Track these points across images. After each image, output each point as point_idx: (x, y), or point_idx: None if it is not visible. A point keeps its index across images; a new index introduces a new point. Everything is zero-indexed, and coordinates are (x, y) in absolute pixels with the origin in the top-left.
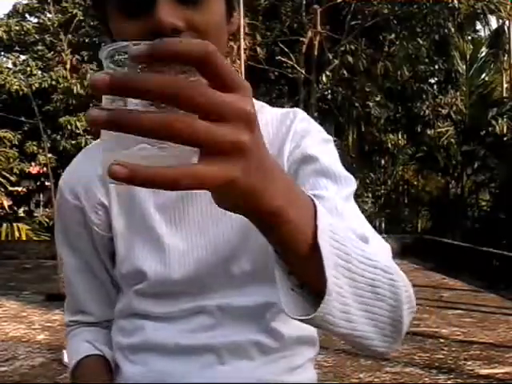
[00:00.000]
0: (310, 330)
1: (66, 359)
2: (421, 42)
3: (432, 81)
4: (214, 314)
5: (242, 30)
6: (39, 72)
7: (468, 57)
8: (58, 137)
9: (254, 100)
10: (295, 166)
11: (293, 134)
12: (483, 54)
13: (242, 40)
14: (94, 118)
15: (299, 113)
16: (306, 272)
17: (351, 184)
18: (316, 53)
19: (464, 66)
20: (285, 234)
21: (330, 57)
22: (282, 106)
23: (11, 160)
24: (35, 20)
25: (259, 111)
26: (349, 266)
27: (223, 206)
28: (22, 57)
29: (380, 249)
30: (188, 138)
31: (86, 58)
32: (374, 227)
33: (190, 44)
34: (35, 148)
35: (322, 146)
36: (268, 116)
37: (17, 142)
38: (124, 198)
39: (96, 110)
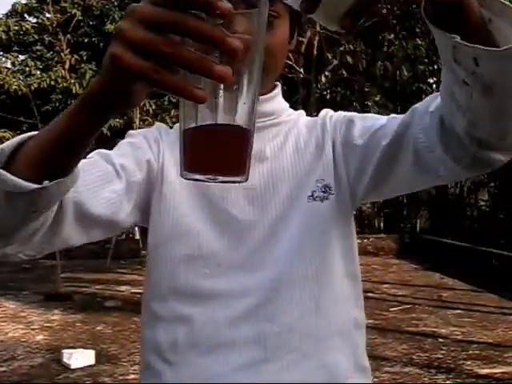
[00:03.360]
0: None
1: (65, 359)
2: (420, 42)
3: (431, 80)
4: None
5: None
6: (38, 72)
7: None
8: None
9: (292, 110)
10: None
11: (329, 123)
12: None
13: None
14: None
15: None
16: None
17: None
18: (315, 53)
19: None
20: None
21: (329, 57)
22: None
23: None
24: (34, 20)
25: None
26: None
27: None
28: (21, 57)
29: None
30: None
31: (84, 58)
32: (374, 227)
33: None
34: None
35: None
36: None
37: None
38: None
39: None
